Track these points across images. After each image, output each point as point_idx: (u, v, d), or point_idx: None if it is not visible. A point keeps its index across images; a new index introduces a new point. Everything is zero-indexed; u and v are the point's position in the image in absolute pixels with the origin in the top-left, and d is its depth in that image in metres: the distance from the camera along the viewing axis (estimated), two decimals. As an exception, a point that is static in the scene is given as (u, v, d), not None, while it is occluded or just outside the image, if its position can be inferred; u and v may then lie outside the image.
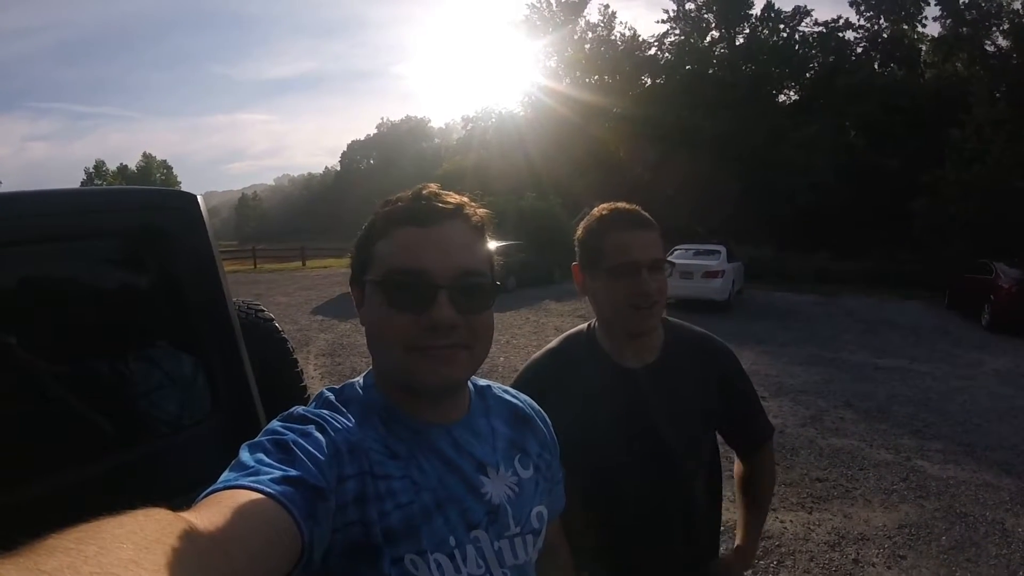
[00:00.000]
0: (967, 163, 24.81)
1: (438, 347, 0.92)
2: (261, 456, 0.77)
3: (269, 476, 0.72)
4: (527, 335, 12.54)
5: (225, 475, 0.74)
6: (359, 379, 1.04)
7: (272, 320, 3.21)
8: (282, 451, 0.79)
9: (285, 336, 3.24)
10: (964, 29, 35.21)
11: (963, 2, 35.41)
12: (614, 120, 37.68)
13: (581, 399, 1.63)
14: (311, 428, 0.85)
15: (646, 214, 1.62)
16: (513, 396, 1.19)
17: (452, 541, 0.93)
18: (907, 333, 14.01)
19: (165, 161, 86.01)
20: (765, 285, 22.05)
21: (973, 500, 5.22)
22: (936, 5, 36.68)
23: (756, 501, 1.91)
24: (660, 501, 1.66)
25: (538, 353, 1.80)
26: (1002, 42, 33.92)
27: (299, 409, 0.92)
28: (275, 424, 0.87)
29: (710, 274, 15.94)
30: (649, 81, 42.12)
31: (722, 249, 17.43)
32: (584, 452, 1.62)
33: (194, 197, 1.90)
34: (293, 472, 0.75)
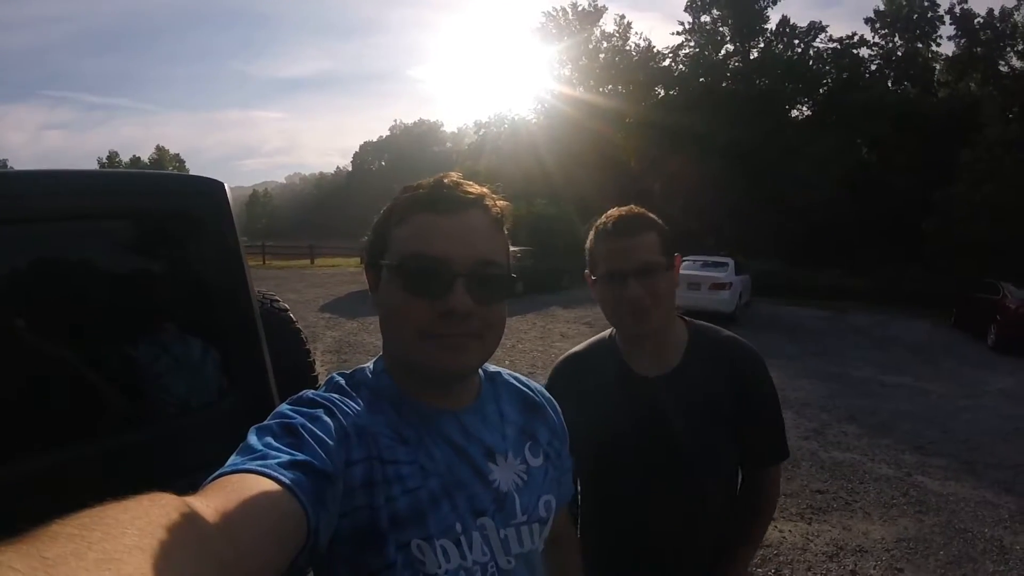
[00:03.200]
0: (977, 182, 24.73)
1: (451, 335, 0.92)
2: (269, 440, 0.77)
3: (276, 460, 0.72)
4: (533, 340, 12.56)
5: (233, 459, 0.74)
6: (369, 364, 1.04)
7: (287, 310, 3.27)
8: (290, 435, 0.79)
9: (299, 327, 3.31)
10: (978, 49, 35.10)
11: (978, 22, 35.33)
12: (627, 129, 37.66)
13: (595, 405, 1.62)
14: (320, 412, 0.85)
15: (644, 216, 1.60)
16: (523, 383, 1.18)
17: (459, 528, 0.94)
18: (913, 350, 14.01)
19: (178, 155, 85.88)
20: (773, 299, 21.98)
21: (972, 517, 5.24)
22: (951, 24, 36.60)
23: (746, 527, 1.75)
24: (667, 512, 1.63)
25: (564, 354, 1.80)
26: (1016, 62, 33.91)
27: (308, 393, 0.92)
28: (284, 407, 0.87)
29: (717, 286, 15.98)
30: (662, 92, 41.98)
31: (730, 261, 17.44)
32: (594, 459, 1.63)
33: (222, 184, 1.94)
34: (300, 456, 0.75)
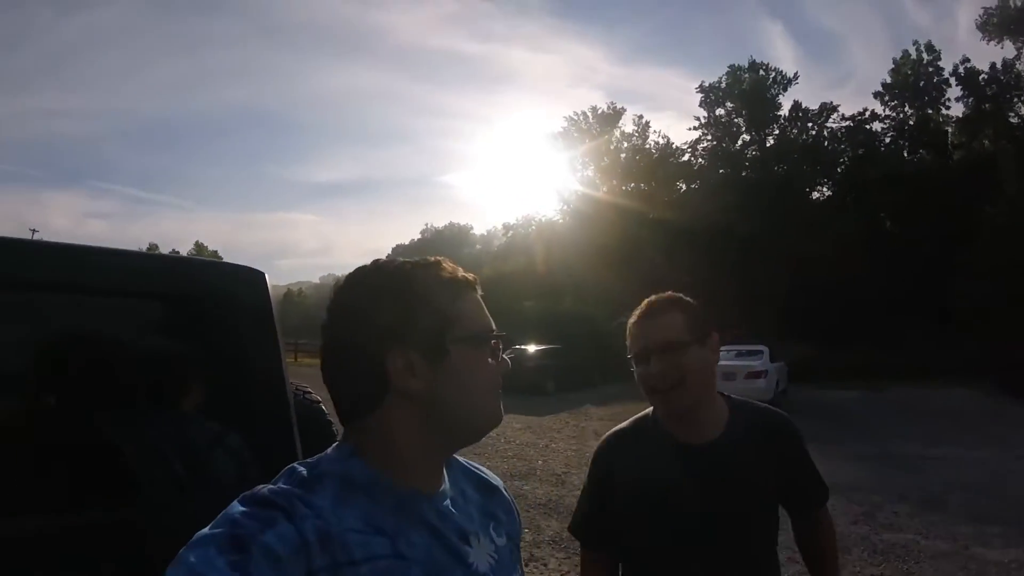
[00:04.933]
0: (1002, 237, 24.40)
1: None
2: (211, 556, 0.72)
3: None
4: (566, 439, 12.46)
5: None
6: (331, 451, 0.95)
7: (320, 403, 3.39)
8: (237, 550, 0.73)
9: (331, 419, 3.41)
10: (987, 105, 35.39)
11: (983, 78, 35.81)
12: (651, 225, 38.13)
13: (641, 475, 1.71)
14: (277, 516, 0.79)
15: (671, 298, 1.71)
16: (475, 466, 1.17)
17: None
18: (956, 419, 13.70)
19: (216, 252, 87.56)
20: (810, 383, 21.57)
21: (1035, 582, 5.02)
22: (958, 86, 37.13)
23: (825, 565, 1.88)
24: (722, 572, 1.66)
25: (607, 433, 1.89)
26: (1025, 112, 34.08)
27: (264, 490, 0.84)
28: (236, 509, 0.80)
29: (753, 374, 15.93)
30: (684, 186, 42.81)
31: (764, 350, 17.39)
32: (643, 525, 1.73)
33: (263, 274, 2.05)
34: None
